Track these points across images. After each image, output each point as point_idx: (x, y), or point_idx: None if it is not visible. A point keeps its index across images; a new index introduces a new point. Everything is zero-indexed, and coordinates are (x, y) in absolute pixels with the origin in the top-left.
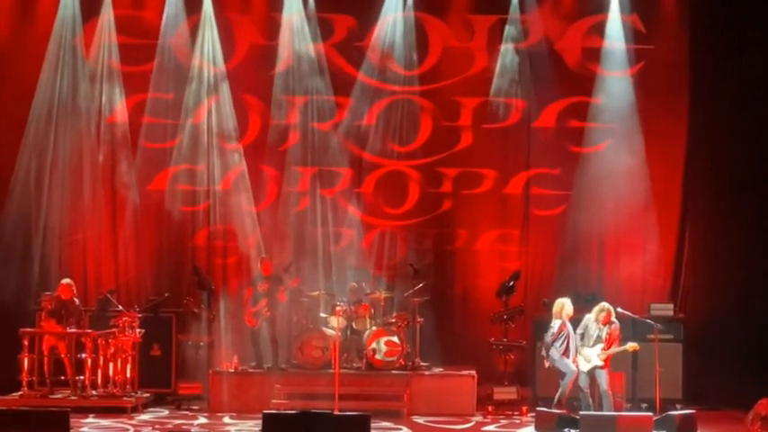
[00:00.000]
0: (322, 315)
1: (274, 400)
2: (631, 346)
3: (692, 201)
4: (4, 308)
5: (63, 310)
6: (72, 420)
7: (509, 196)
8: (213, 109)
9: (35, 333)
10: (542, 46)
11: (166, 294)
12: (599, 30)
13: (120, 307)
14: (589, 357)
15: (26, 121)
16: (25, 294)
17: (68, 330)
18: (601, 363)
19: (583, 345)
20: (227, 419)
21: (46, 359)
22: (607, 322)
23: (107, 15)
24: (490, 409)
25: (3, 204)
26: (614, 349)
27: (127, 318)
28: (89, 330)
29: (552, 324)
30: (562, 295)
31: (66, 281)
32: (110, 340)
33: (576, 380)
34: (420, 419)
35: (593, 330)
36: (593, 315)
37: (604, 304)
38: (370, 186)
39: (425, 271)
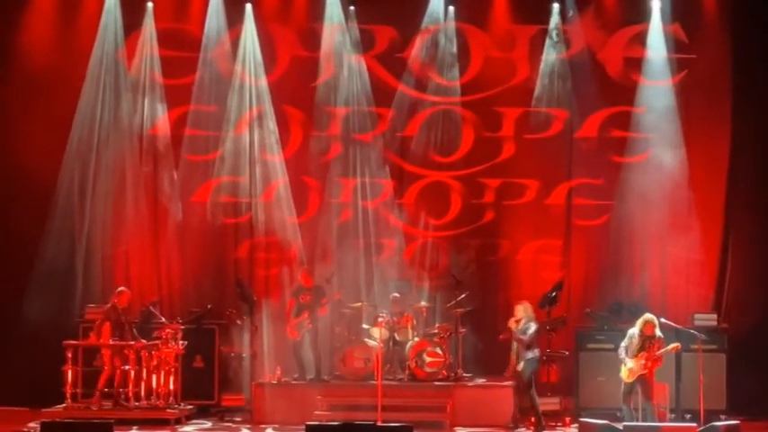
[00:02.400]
0: (364, 326)
1: (317, 412)
2: (672, 346)
3: (735, 210)
4: (49, 320)
5: (124, 319)
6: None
7: (551, 207)
8: (255, 121)
9: (79, 345)
10: (584, 56)
11: (209, 306)
12: (641, 39)
13: (163, 319)
14: (633, 368)
15: (68, 134)
16: (69, 307)
17: (111, 342)
18: (644, 371)
19: (626, 356)
20: (270, 431)
21: (118, 371)
22: (650, 333)
23: (149, 28)
24: (533, 419)
25: (47, 218)
26: (657, 353)
27: (170, 329)
28: (132, 342)
29: (529, 326)
30: (605, 306)
31: (124, 289)
32: (153, 352)
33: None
34: (463, 430)
35: (637, 342)
36: (636, 327)
37: (648, 315)
38: (412, 197)
39: (468, 281)
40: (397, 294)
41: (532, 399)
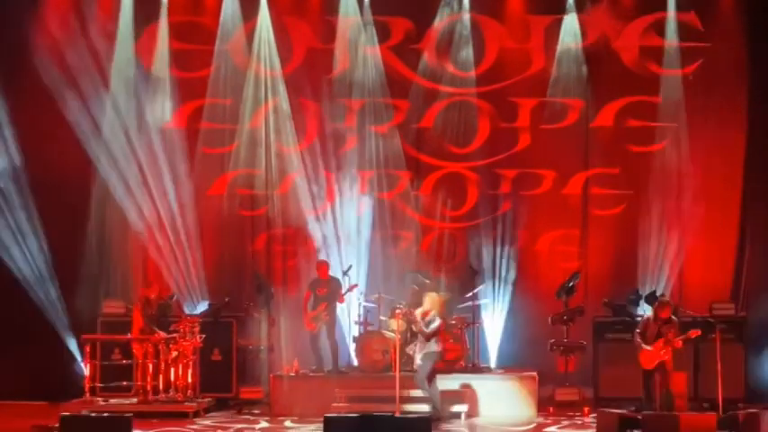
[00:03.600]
0: (382, 318)
1: (335, 404)
2: (693, 331)
3: (752, 199)
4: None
5: (156, 311)
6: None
7: (568, 197)
8: (271, 113)
9: (97, 339)
10: (600, 45)
11: (227, 299)
12: (656, 28)
13: (186, 311)
14: (651, 354)
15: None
16: (88, 301)
17: (128, 337)
18: (664, 358)
19: (644, 342)
20: (288, 423)
21: (160, 364)
22: (666, 316)
23: (163, 22)
24: (551, 410)
25: (64, 213)
26: (676, 339)
27: (188, 323)
28: (150, 335)
29: (434, 319)
30: (622, 295)
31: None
32: (171, 345)
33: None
34: (481, 421)
35: (653, 326)
36: (652, 313)
37: (664, 299)
38: (428, 189)
39: (484, 272)
40: (415, 287)
41: (430, 391)
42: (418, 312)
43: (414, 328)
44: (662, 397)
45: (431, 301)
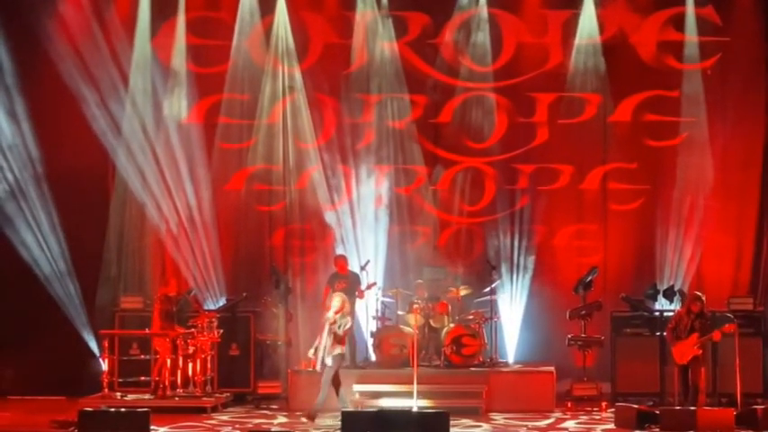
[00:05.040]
0: (399, 313)
1: (352, 399)
2: (728, 326)
3: None
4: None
5: (176, 307)
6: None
7: (586, 191)
8: (288, 109)
9: (115, 335)
10: (617, 40)
11: (244, 294)
12: (674, 23)
13: (205, 306)
14: (685, 349)
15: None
16: (105, 296)
17: (146, 332)
18: (698, 352)
19: (677, 338)
20: (305, 419)
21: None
22: (698, 309)
23: (181, 18)
24: (569, 405)
25: (78, 209)
26: (706, 336)
27: (205, 318)
28: (168, 331)
29: (346, 320)
30: (640, 290)
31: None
32: (189, 340)
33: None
34: (499, 416)
35: (686, 321)
36: (684, 307)
37: (695, 292)
38: (445, 183)
39: (502, 267)
40: (420, 281)
41: (325, 387)
42: (330, 314)
43: (335, 330)
44: (692, 392)
45: (341, 300)
